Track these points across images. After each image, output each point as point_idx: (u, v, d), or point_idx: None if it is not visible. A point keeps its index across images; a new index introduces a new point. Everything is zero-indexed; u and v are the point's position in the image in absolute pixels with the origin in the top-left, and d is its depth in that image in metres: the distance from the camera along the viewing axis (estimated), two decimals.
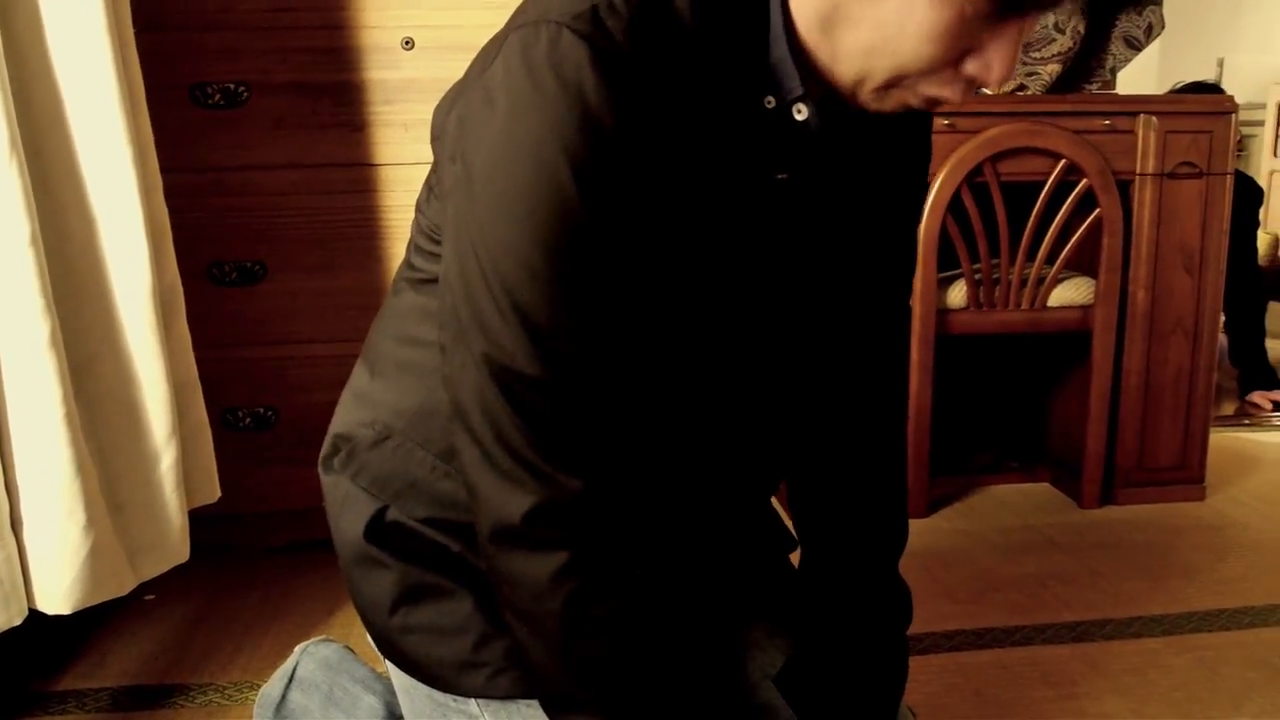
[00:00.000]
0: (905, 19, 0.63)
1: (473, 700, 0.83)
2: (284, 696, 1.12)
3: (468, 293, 0.69)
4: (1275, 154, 4.19)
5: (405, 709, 0.92)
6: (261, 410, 1.71)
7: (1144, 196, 1.92)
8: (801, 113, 0.71)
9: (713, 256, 0.73)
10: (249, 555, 1.78)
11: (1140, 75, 4.22)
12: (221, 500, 1.45)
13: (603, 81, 0.63)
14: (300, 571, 1.71)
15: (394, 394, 0.86)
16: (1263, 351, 2.94)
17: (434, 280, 0.78)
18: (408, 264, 0.87)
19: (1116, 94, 2.09)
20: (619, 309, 0.71)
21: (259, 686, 1.31)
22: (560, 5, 0.65)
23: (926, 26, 0.63)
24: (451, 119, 0.73)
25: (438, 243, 0.79)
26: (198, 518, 1.37)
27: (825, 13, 0.66)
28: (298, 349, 1.70)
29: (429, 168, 0.83)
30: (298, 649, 1.17)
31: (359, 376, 0.91)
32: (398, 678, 0.90)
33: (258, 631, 1.53)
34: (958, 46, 0.64)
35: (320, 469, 0.91)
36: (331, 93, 1.64)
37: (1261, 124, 4.30)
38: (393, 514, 0.85)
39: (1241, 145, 4.64)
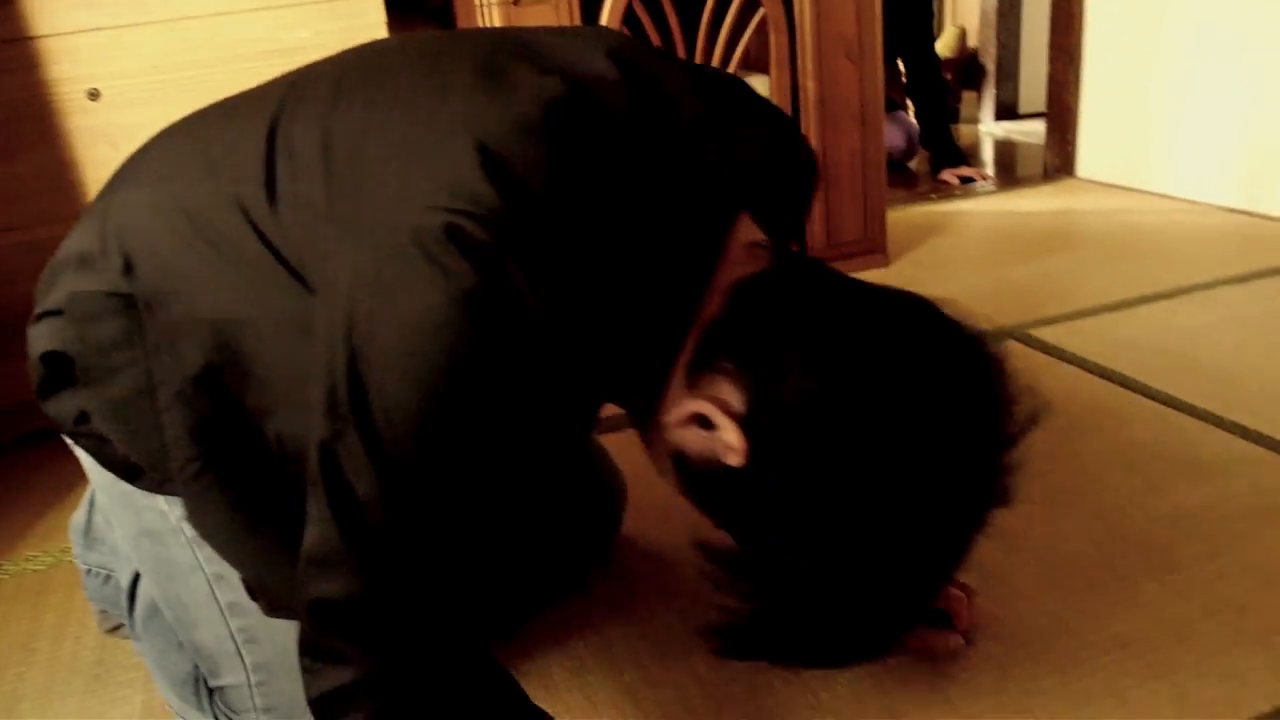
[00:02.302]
0: None
1: (160, 497, 0.89)
2: (89, 520, 1.17)
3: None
4: None
5: (100, 504, 0.97)
6: None
7: None
8: None
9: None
10: None
11: None
12: None
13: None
14: (32, 460, 1.71)
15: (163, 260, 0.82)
16: (948, 133, 3.22)
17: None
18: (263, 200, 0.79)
19: None
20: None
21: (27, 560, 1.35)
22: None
23: None
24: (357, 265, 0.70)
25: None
26: None
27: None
28: None
29: None
30: None
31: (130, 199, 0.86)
32: (93, 473, 0.94)
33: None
34: None
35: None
36: None
37: None
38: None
39: None
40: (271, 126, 0.80)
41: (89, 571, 1.17)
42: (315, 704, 0.72)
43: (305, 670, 0.72)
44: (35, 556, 1.42)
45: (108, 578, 1.14)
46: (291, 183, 0.77)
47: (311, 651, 0.71)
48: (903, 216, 2.71)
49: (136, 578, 1.06)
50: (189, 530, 0.88)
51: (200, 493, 0.83)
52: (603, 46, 0.79)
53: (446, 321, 0.64)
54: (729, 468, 0.70)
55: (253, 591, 0.86)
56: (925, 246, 2.44)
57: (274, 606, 0.86)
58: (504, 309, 0.65)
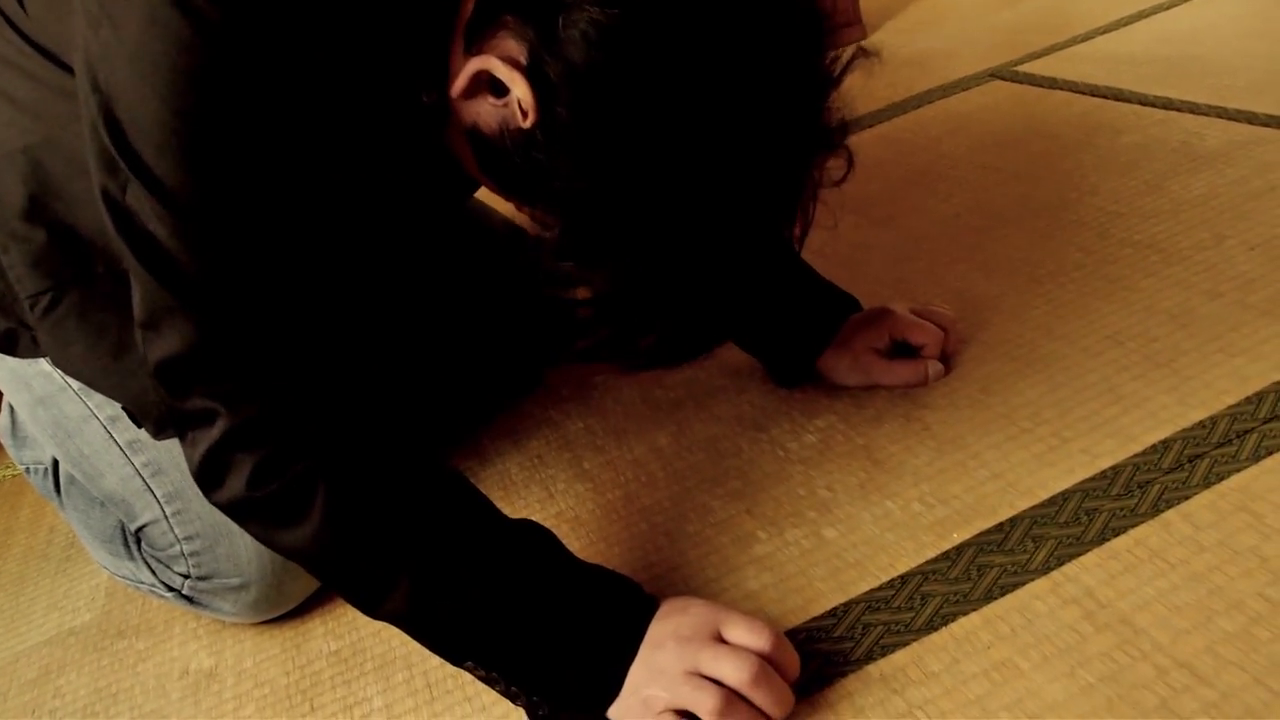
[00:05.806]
0: None
1: (41, 360, 0.85)
2: (12, 419, 1.13)
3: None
4: None
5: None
6: None
7: None
8: None
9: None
10: None
11: None
12: None
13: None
14: None
15: None
16: None
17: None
18: None
19: None
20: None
21: None
22: None
23: None
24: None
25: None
26: None
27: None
28: None
29: None
30: None
31: None
32: None
33: None
34: None
35: None
36: None
37: None
38: None
39: None
40: None
41: (28, 470, 1.13)
42: (199, 475, 0.67)
43: (184, 448, 0.67)
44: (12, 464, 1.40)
45: (45, 471, 1.10)
46: None
47: (179, 423, 0.67)
48: None
49: (56, 460, 1.02)
50: (75, 383, 0.84)
51: (57, 326, 0.79)
52: None
53: (165, 19, 0.57)
54: (526, 132, 0.61)
55: (135, 417, 0.81)
56: (907, 12, 2.27)
57: (160, 425, 0.81)
58: None
